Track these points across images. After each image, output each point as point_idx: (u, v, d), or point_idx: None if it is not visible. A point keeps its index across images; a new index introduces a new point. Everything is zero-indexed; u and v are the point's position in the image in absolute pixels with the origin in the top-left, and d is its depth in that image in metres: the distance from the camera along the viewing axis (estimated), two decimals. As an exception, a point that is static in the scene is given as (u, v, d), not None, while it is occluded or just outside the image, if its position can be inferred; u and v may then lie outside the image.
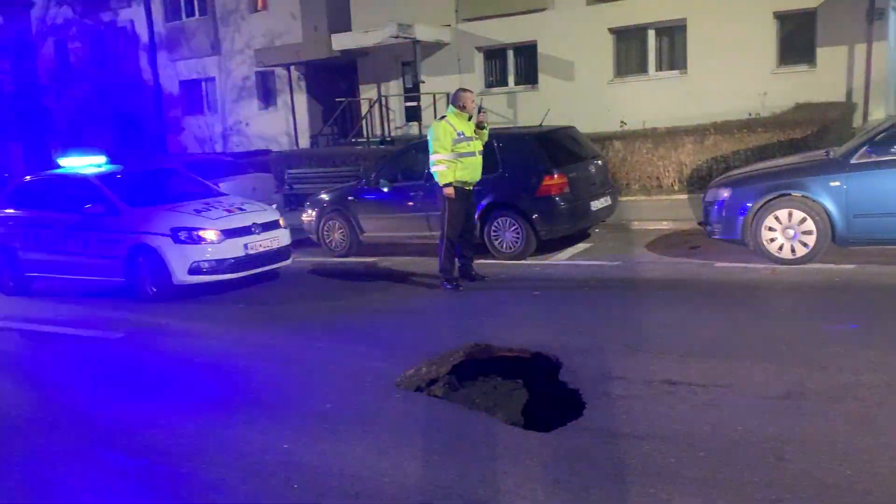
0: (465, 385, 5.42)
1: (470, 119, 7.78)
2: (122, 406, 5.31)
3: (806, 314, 6.15)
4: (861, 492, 3.33)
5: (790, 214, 7.47)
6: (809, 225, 7.38)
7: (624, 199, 12.10)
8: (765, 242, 7.62)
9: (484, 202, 9.18)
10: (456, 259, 8.08)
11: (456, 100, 7.84)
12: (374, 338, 6.46)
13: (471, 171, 7.84)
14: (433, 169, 7.77)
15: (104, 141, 22.09)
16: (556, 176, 9.04)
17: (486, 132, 7.97)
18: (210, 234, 8.69)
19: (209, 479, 4.05)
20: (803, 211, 7.39)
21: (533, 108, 14.95)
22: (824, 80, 14.68)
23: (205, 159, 15.77)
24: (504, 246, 9.29)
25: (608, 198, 9.86)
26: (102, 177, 9.50)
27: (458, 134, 7.71)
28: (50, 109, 22.23)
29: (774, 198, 7.53)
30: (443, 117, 7.93)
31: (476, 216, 9.06)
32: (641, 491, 3.50)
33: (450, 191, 7.71)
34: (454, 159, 7.70)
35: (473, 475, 3.80)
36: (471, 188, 7.96)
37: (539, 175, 9.07)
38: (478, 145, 7.87)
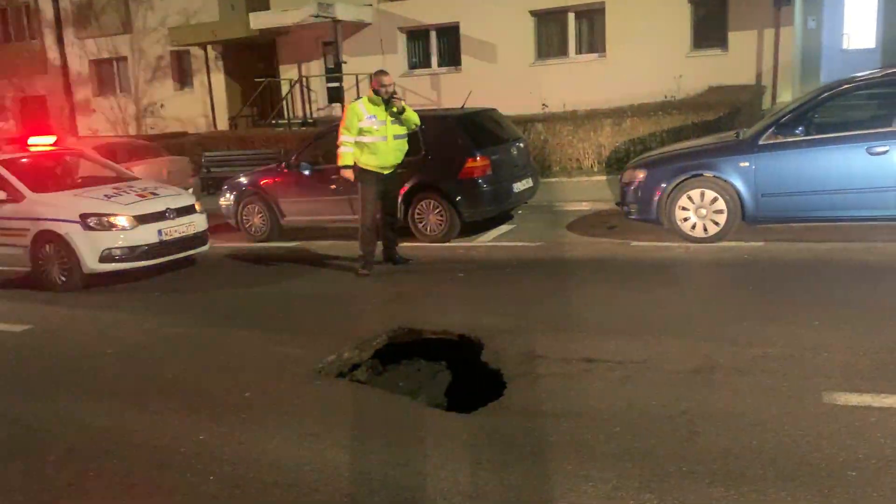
0: (389, 369, 5.41)
1: (387, 103, 7.63)
2: (25, 403, 5.06)
3: (717, 290, 6.37)
4: (767, 461, 3.48)
5: (702, 194, 7.69)
6: (720, 204, 7.62)
7: (545, 180, 12.27)
8: (678, 221, 7.84)
9: (407, 184, 9.13)
10: (379, 242, 8.03)
11: (372, 83, 7.76)
12: (295, 325, 6.36)
13: (380, 156, 7.67)
14: (338, 151, 7.72)
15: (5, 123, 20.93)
16: (478, 158, 9.07)
17: (412, 115, 7.79)
18: (122, 220, 8.38)
19: (120, 473, 3.90)
20: (715, 191, 7.62)
21: (456, 90, 14.95)
22: (736, 63, 15.20)
23: (117, 142, 15.14)
24: (428, 229, 9.28)
25: (530, 179, 9.97)
26: (4, 161, 9.00)
27: (369, 118, 7.59)
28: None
29: (687, 178, 7.74)
30: (357, 99, 7.86)
31: (400, 199, 9.02)
32: (559, 467, 3.56)
33: (347, 173, 7.68)
34: (357, 143, 7.63)
35: (396, 459, 3.79)
36: (389, 172, 7.84)
37: (462, 157, 9.08)
38: (395, 129, 7.71)
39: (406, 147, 7.98)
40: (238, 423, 4.39)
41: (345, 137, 7.66)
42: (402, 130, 7.82)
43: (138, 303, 7.73)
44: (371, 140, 7.64)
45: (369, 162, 7.70)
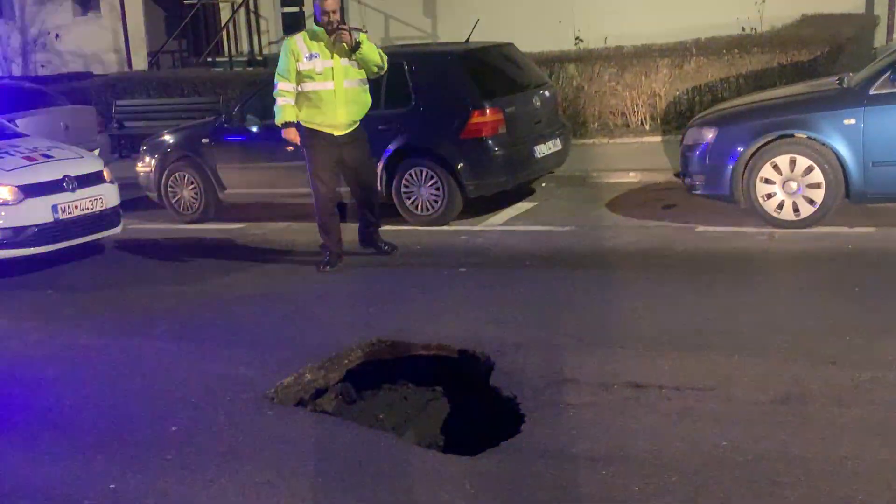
0: (365, 396, 5.43)
1: (332, 36, 7.44)
2: None
3: (810, 292, 6.38)
4: (875, 521, 3.51)
5: (792, 162, 7.70)
6: (817, 176, 7.63)
7: (579, 142, 12.26)
8: (760, 199, 7.85)
9: (391, 147, 9.15)
10: (360, 226, 8.12)
11: (314, 9, 7.63)
12: (238, 335, 6.36)
13: (326, 110, 7.56)
14: (275, 104, 7.73)
15: None
16: (487, 111, 9.07)
17: (371, 53, 7.52)
18: (2, 192, 8.42)
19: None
20: (809, 157, 7.63)
21: (458, 18, 14.90)
22: (839, -16, 15.13)
23: (-4, 86, 15.10)
24: (420, 207, 9.30)
25: (558, 140, 9.98)
26: None
27: (308, 57, 7.50)
28: None
29: (773, 140, 7.74)
30: (295, 34, 7.76)
31: (380, 167, 9.04)
32: (596, 530, 3.59)
33: (290, 133, 7.67)
34: (300, 93, 7.60)
35: (374, 517, 3.82)
36: (344, 133, 7.68)
37: (465, 110, 9.08)
38: (346, 73, 7.55)
39: (366, 98, 7.82)
40: (162, 466, 4.40)
41: (281, 86, 7.63)
42: (359, 75, 7.67)
43: (25, 304, 7.73)
44: (313, 88, 7.56)
45: (313, 119, 7.63)
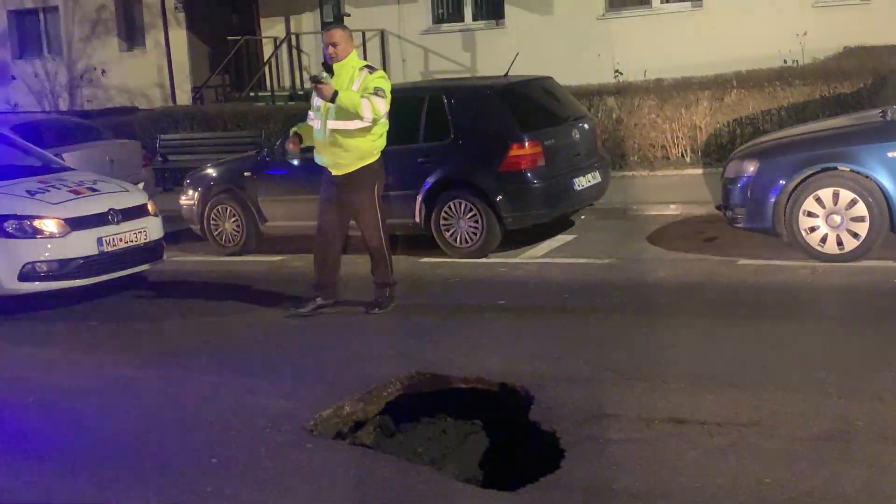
0: (404, 429, 5.42)
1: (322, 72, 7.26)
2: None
3: (856, 327, 6.30)
4: (924, 562, 3.44)
5: (836, 195, 7.64)
6: (861, 209, 7.56)
7: (619, 174, 12.24)
8: (803, 232, 7.78)
9: (430, 180, 9.19)
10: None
11: None
12: (277, 367, 6.40)
13: (317, 148, 7.48)
14: None
15: None
16: (526, 144, 9.09)
17: (349, 100, 6.99)
18: (49, 225, 8.51)
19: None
20: (853, 191, 7.56)
21: (497, 52, 14.98)
22: (881, 15, 15.02)
23: (44, 120, 15.36)
24: (458, 239, 9.31)
25: (597, 173, 9.96)
26: None
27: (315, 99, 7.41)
28: None
29: (815, 173, 7.69)
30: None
31: (419, 199, 9.09)
32: (637, 568, 3.55)
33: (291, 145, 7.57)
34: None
35: (412, 552, 3.81)
36: (341, 174, 7.36)
37: (504, 143, 9.11)
38: (332, 118, 7.20)
39: (356, 144, 7.28)
40: (202, 498, 4.42)
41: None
42: (342, 123, 7.17)
43: (69, 335, 7.81)
44: (311, 124, 7.48)
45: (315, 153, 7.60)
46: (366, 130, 7.24)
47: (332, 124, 7.22)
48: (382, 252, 7.58)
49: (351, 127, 7.19)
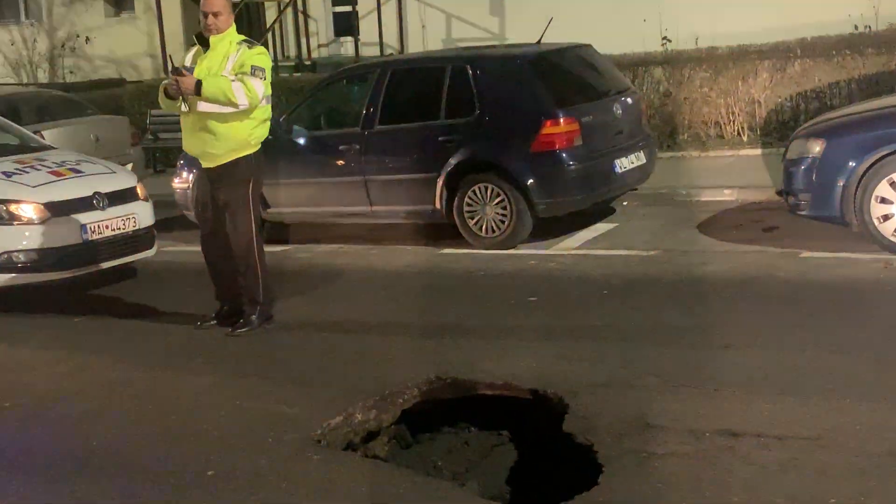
0: (422, 440, 5.45)
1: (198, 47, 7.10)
2: None
3: (934, 329, 6.26)
4: None
5: (912, 179, 7.59)
6: (941, 195, 7.52)
7: (666, 155, 12.19)
8: (875, 221, 7.73)
9: (453, 161, 9.18)
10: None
11: None
12: (281, 369, 6.42)
13: (183, 135, 7.19)
14: None
15: None
16: (561, 121, 9.07)
17: (214, 96, 6.72)
18: (28, 210, 8.54)
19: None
20: (932, 174, 7.52)
21: (528, 17, 14.92)
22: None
23: (21, 93, 15.47)
24: (484, 228, 9.31)
25: (642, 154, 9.94)
26: None
27: (190, 69, 6.96)
28: None
29: (890, 154, 7.64)
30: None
31: (440, 183, 9.10)
32: None
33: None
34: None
35: (431, 577, 3.82)
36: (213, 166, 7.09)
37: (536, 120, 9.09)
38: (193, 102, 6.83)
39: (233, 136, 6.99)
40: (195, 515, 4.47)
41: None
42: (214, 105, 6.83)
43: (50, 333, 7.86)
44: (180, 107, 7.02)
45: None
46: (244, 115, 6.91)
47: (203, 106, 6.84)
48: (251, 262, 7.20)
49: (224, 110, 6.84)
